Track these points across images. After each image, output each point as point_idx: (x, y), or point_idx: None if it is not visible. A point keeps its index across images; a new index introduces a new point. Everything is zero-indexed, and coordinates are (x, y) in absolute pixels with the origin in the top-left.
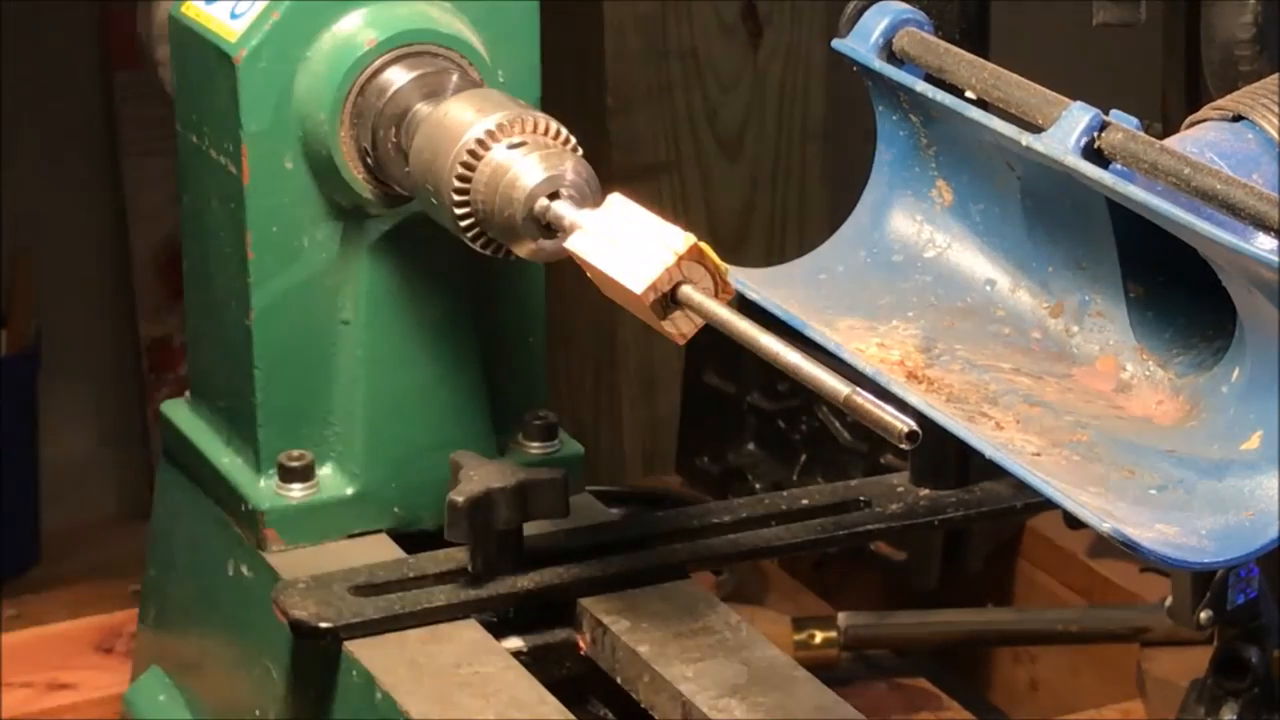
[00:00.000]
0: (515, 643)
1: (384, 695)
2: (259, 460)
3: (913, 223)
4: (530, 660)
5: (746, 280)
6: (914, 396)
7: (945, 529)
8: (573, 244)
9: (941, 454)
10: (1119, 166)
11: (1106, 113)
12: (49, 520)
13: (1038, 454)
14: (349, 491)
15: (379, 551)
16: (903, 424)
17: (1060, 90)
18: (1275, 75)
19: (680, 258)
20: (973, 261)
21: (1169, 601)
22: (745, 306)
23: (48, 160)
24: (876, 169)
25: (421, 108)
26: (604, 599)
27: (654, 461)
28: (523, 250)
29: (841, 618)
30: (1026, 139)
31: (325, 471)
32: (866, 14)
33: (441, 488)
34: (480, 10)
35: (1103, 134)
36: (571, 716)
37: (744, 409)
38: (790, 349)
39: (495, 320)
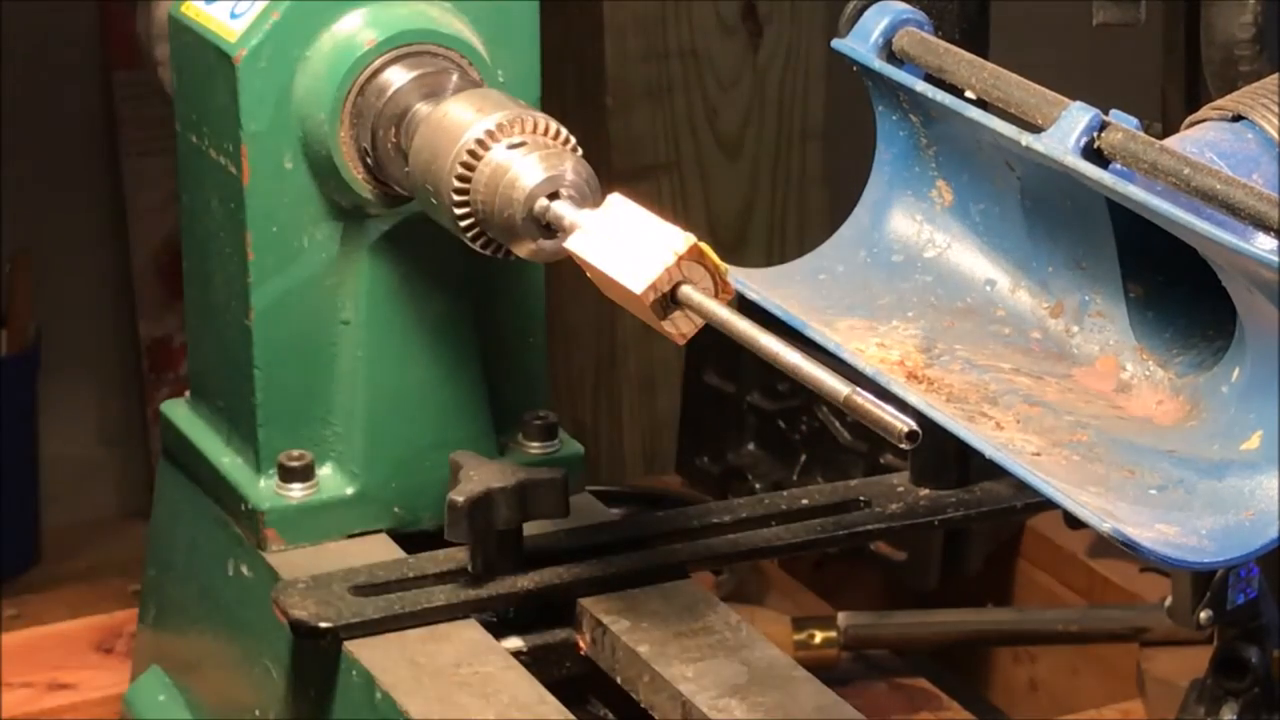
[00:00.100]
0: (515, 643)
1: (384, 695)
2: (259, 460)
3: (913, 223)
4: (530, 660)
5: (746, 280)
6: (914, 396)
7: (945, 529)
8: (573, 244)
9: (941, 454)
10: (1119, 166)
11: (1106, 113)
12: (49, 520)
13: (1038, 454)
14: (349, 491)
15: (379, 551)
16: (903, 424)
17: (1060, 90)
18: (1275, 75)
19: (680, 258)
20: (973, 261)
21: (1169, 601)
22: (745, 306)
23: (48, 160)
24: (876, 169)
25: (421, 108)
26: (604, 599)
27: (654, 461)
28: (523, 250)
29: (841, 618)
30: (1026, 139)
31: (325, 471)
32: (866, 14)
33: (441, 488)
34: (480, 10)
35: (1103, 134)
36: (571, 716)
37: (744, 409)
38: (790, 349)
39: (495, 320)
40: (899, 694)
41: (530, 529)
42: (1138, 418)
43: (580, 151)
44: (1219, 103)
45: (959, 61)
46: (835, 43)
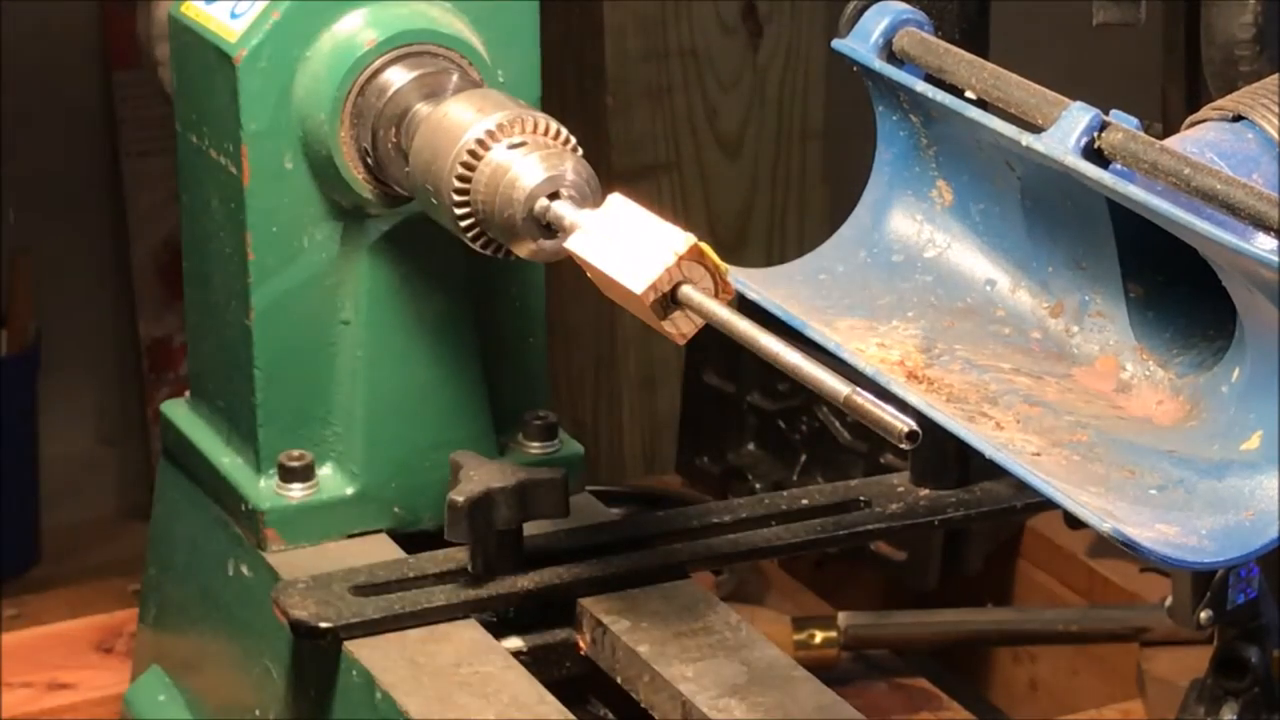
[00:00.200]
0: (515, 643)
1: (384, 695)
2: (259, 460)
3: (913, 222)
4: (530, 660)
5: (746, 280)
6: (914, 396)
7: (945, 529)
8: (573, 244)
9: (941, 454)
10: (1119, 166)
11: (1106, 113)
12: (49, 520)
13: (1038, 454)
14: (349, 491)
15: (379, 551)
16: (903, 424)
17: (1060, 90)
18: (1275, 75)
19: (680, 258)
20: (973, 261)
21: (1169, 601)
22: (745, 306)
23: (48, 160)
24: (876, 169)
25: (421, 108)
26: (604, 599)
27: (654, 461)
28: (523, 250)
29: (841, 618)
30: (1026, 139)
31: (325, 471)
32: (866, 14)
33: (441, 488)
34: (480, 10)
35: (1103, 134)
36: (571, 716)
37: (744, 409)
38: (790, 349)
39: (495, 320)
40: (899, 694)
41: (530, 529)
42: (1138, 418)
43: (580, 151)
44: (1219, 103)
45: (959, 61)
46: (835, 43)
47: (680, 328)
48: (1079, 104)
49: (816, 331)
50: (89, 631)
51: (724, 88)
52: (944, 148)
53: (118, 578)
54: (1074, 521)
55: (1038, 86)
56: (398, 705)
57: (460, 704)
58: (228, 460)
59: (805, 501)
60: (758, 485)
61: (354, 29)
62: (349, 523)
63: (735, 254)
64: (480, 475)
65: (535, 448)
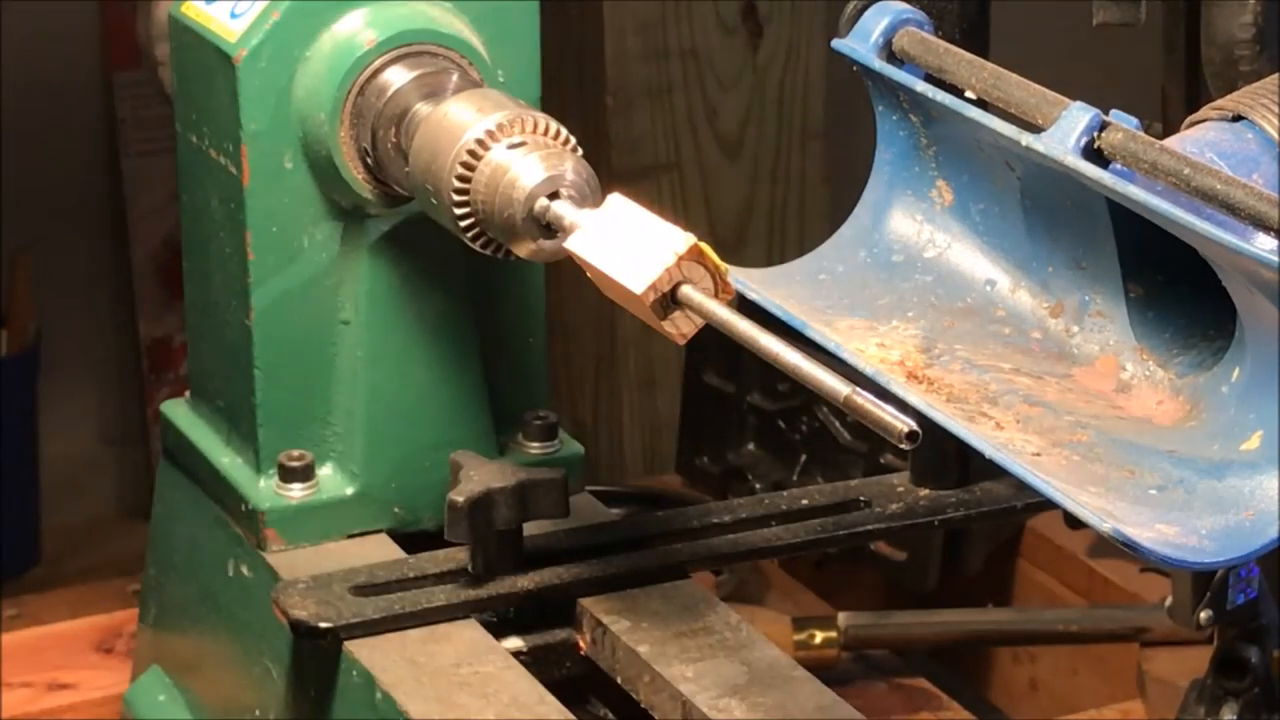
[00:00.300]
0: (515, 643)
1: (384, 695)
2: (259, 460)
3: (913, 222)
4: (530, 660)
5: (746, 280)
6: (914, 396)
7: (945, 529)
8: (573, 244)
9: (941, 454)
10: (1119, 166)
11: (1106, 113)
12: (49, 520)
13: (1038, 454)
14: (349, 491)
15: (379, 551)
16: (903, 424)
17: (1060, 90)
18: (1275, 75)
19: (680, 258)
20: (973, 261)
21: (1169, 601)
22: (745, 306)
23: (48, 160)
24: (876, 169)
25: (421, 108)
26: (604, 599)
27: (654, 461)
28: (523, 250)
29: (841, 618)
30: (1026, 139)
31: (325, 471)
32: (866, 14)
33: (441, 488)
34: (480, 10)
35: (1103, 134)
36: (571, 716)
37: (744, 409)
38: (790, 349)
39: (495, 320)
40: (899, 694)
41: (530, 529)
42: (1138, 418)
43: (580, 151)
44: (1219, 103)
45: (959, 61)
46: (835, 43)
47: (680, 328)
48: (1079, 104)
49: (816, 331)
50: (89, 631)
51: (724, 88)
52: (944, 148)
53: (118, 578)
54: (1074, 521)
55: (1038, 86)
56: (398, 705)
57: (460, 704)
58: (228, 460)
59: (805, 501)
60: (758, 485)
61: (354, 29)
62: (349, 523)
63: (735, 254)
64: (480, 475)
65: (535, 448)
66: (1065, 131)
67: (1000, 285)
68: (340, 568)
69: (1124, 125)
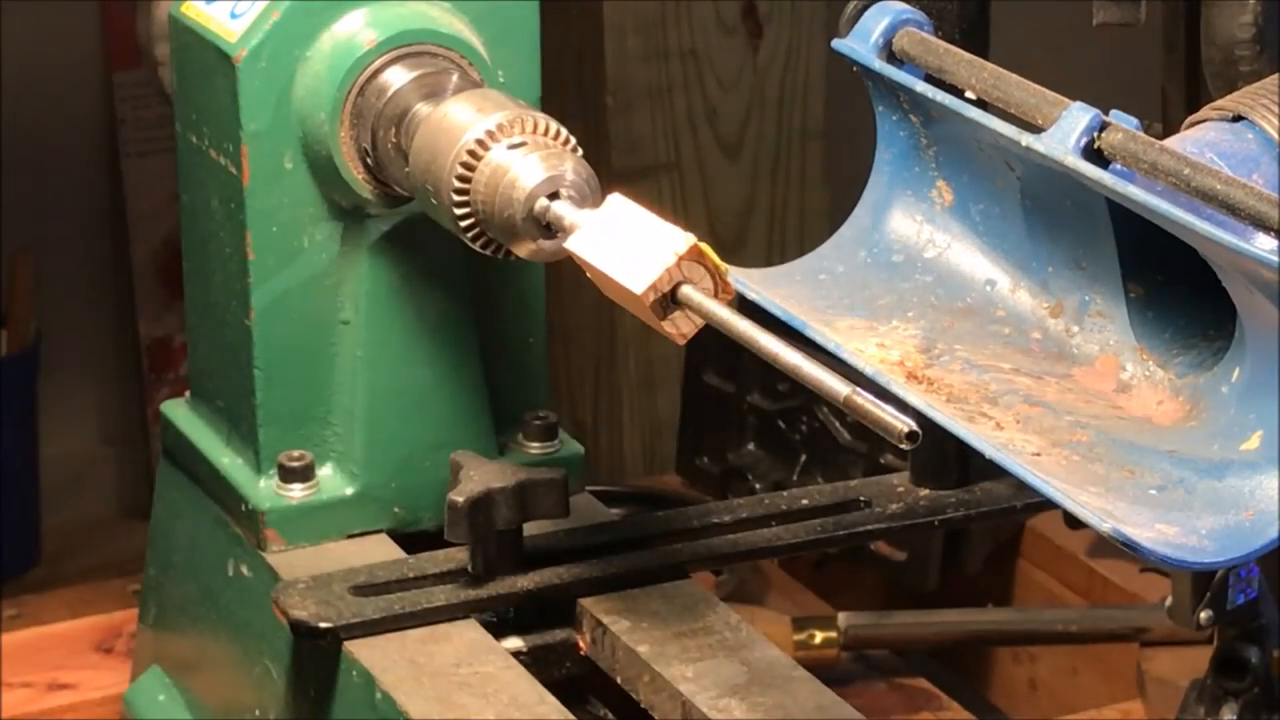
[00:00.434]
0: (515, 643)
1: (384, 695)
2: (259, 460)
3: (913, 223)
4: (530, 660)
5: (746, 280)
6: (914, 396)
7: (945, 529)
8: (573, 244)
9: (941, 454)
10: (1119, 166)
11: (1106, 113)
12: (49, 520)
13: (1038, 454)
14: (349, 491)
15: (379, 551)
16: (903, 424)
17: (1060, 90)
18: (1275, 75)
19: (680, 258)
20: (973, 261)
21: (1169, 601)
22: (745, 306)
23: (48, 160)
24: (876, 169)
25: (421, 108)
26: (604, 599)
27: (654, 461)
28: (523, 250)
29: (841, 618)
30: (1026, 139)
31: (325, 471)
32: (866, 14)
33: (441, 488)
34: (480, 10)
35: (1103, 134)
36: (571, 716)
37: (744, 409)
38: (790, 349)
39: (495, 320)
40: (899, 694)
41: (530, 529)
42: (1138, 418)
43: (580, 151)
44: (1219, 103)
45: (959, 61)
46: (835, 43)
47: (680, 328)
48: (1079, 104)
49: (816, 331)
50: (89, 631)
51: (724, 88)
52: (944, 148)
53: (118, 578)
54: (1074, 521)
55: (1038, 86)
56: (398, 705)
57: (460, 704)
58: (228, 460)
59: (805, 501)
60: (758, 485)
61: (354, 29)
62: (349, 523)
63: (735, 254)
64: (480, 475)
65: (535, 448)
66: (1065, 132)
67: (1000, 285)
68: (340, 568)
69: (1124, 125)
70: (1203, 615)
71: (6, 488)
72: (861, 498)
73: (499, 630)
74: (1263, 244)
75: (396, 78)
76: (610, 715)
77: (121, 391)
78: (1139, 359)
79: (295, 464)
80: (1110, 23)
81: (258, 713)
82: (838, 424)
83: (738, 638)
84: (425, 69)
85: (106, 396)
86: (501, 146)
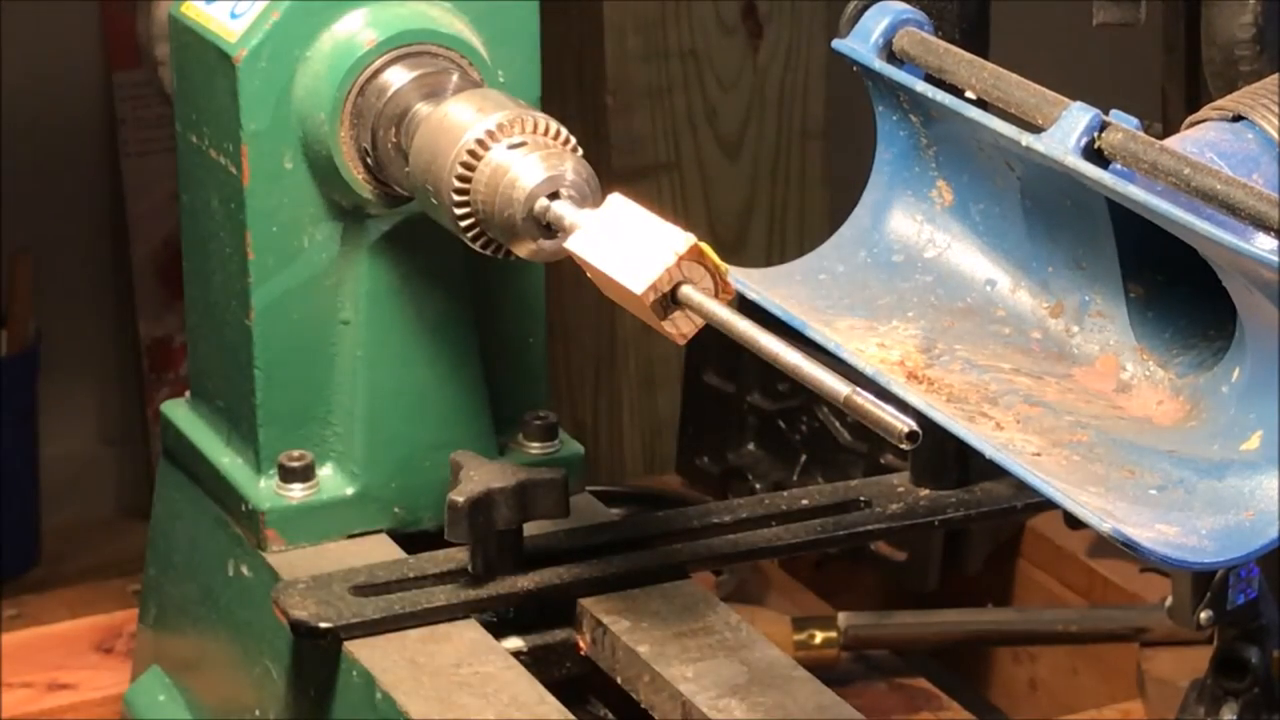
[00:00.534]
0: (515, 643)
1: (384, 695)
2: (259, 460)
3: (913, 223)
4: (530, 660)
5: (746, 280)
6: (914, 396)
7: (945, 529)
8: (573, 244)
9: (941, 454)
10: (1119, 166)
11: (1106, 113)
12: (49, 520)
13: (1038, 454)
14: (349, 491)
15: (379, 551)
16: (903, 424)
17: (1060, 90)
18: (1275, 75)
19: (680, 258)
20: (973, 261)
21: (1169, 601)
22: (745, 306)
23: (48, 160)
24: (876, 169)
25: (421, 108)
26: (604, 599)
27: (654, 461)
28: (523, 250)
29: (841, 618)
30: (1026, 139)
31: (325, 471)
32: (866, 14)
33: (441, 488)
34: (480, 10)
35: (1103, 134)
36: (571, 716)
37: (744, 409)
38: (790, 349)
39: (495, 320)
40: (899, 694)
41: (530, 529)
42: (1138, 418)
43: (580, 151)
44: (1219, 103)
45: (959, 61)
46: (835, 43)
47: (680, 328)
48: (1079, 104)
49: (816, 331)
50: (89, 631)
51: (724, 88)
52: (944, 148)
53: (118, 578)
54: (1074, 521)
55: (1038, 86)
56: (398, 705)
57: (460, 704)
58: (228, 460)
59: (805, 501)
60: (758, 485)
61: (354, 29)
62: (349, 523)
63: (735, 254)
64: (480, 475)
65: (535, 448)
66: (1065, 132)
67: (1000, 285)
68: (340, 568)
69: (1124, 125)
70: (1203, 615)
71: (6, 488)
72: (861, 498)
73: (499, 630)
74: (1263, 244)
75: (396, 78)
76: (610, 715)
77: (121, 391)
78: (1139, 359)
79: (295, 464)
80: (1110, 23)
81: (258, 713)
82: (838, 424)
83: (738, 638)
84: (425, 69)
85: (106, 396)
86: (501, 146)
